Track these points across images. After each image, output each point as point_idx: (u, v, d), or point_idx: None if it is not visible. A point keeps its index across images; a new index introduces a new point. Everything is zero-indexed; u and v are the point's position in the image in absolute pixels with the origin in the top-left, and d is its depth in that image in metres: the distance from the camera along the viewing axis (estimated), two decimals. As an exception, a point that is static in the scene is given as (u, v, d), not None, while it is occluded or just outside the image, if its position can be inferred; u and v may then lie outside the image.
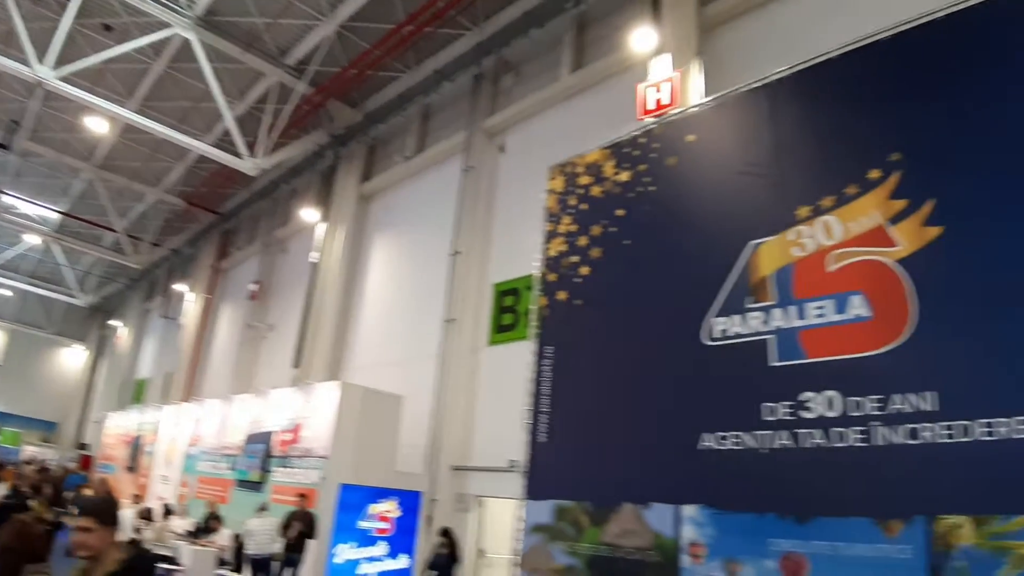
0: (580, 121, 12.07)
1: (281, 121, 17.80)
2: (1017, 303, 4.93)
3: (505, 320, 12.31)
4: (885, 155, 5.74)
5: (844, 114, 6.23)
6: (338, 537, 10.80)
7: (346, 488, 10.99)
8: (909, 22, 6.01)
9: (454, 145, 15.06)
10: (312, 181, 20.19)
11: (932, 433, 5.04)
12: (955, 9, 5.74)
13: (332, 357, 16.69)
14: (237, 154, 17.73)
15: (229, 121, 17.13)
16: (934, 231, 5.38)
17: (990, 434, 4.82)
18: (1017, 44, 5.39)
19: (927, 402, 5.12)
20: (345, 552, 10.85)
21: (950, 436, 4.97)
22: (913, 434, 5.12)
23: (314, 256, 18.09)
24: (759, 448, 5.85)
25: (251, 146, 17.92)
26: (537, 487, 7.48)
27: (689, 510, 6.18)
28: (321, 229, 18.29)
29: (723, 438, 6.08)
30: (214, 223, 26.36)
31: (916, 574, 4.87)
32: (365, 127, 18.08)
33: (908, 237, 5.49)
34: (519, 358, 8.59)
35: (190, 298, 26.54)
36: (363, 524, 11.12)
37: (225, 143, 18.68)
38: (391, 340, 15.29)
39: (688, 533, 6.15)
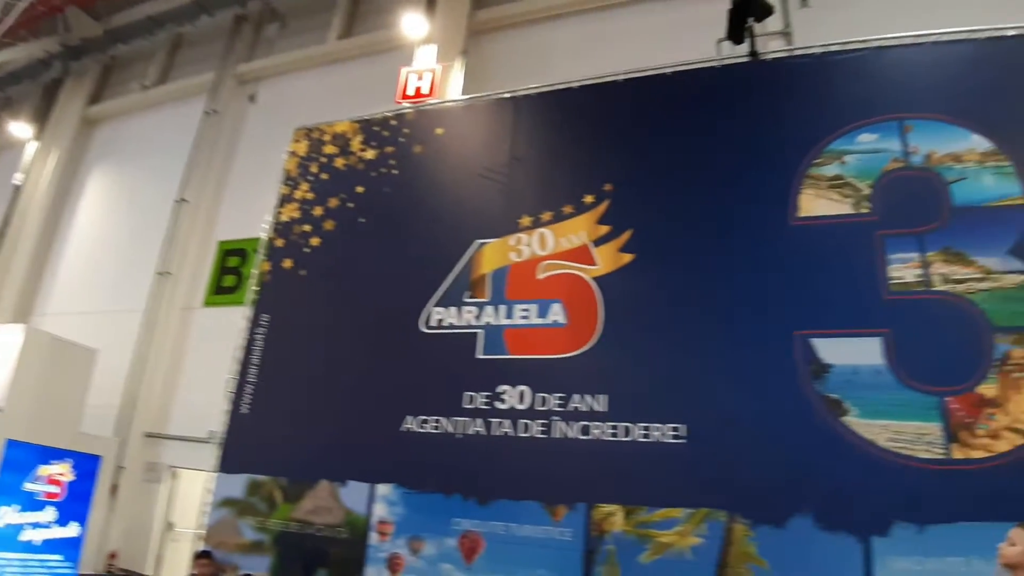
0: (338, 89, 11.70)
1: (9, 19, 15.01)
2: (676, 330, 5.85)
3: (227, 282, 11.53)
4: (600, 183, 6.46)
5: (573, 139, 6.88)
6: None
7: (12, 445, 9.57)
8: (641, 71, 6.83)
9: (201, 84, 13.80)
10: (31, 93, 17.30)
11: (600, 431, 5.75)
12: (683, 68, 6.68)
13: (22, 297, 14.40)
14: (-50, 47, 14.67)
15: (-53, 8, 14.07)
16: (627, 257, 6.19)
17: (646, 436, 5.61)
18: (713, 110, 6.42)
19: (599, 403, 5.83)
20: (7, 516, 9.47)
21: (614, 435, 5.69)
22: (585, 430, 5.79)
23: (18, 178, 15.53)
24: (455, 433, 6.19)
25: (-33, 41, 14.92)
26: (233, 459, 7.16)
27: (383, 489, 6.34)
28: (32, 148, 15.78)
29: (424, 422, 6.32)
30: (-89, 123, 21.49)
31: (574, 555, 5.50)
32: (104, 45, 15.88)
33: (606, 259, 6.24)
34: (235, 324, 8.12)
35: None
36: (30, 486, 9.79)
37: (-62, 32, 15.34)
38: (95, 286, 13.56)
39: (379, 511, 6.30)
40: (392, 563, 6.09)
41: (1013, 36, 6.00)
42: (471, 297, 6.63)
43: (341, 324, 7.13)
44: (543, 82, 7.34)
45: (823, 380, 5.36)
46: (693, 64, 6.71)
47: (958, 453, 4.99)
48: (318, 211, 7.70)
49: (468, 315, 6.57)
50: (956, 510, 4.73)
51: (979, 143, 5.69)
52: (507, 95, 7.39)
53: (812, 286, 5.60)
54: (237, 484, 7.00)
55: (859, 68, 6.21)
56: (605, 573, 5.37)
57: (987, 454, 4.95)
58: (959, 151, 5.70)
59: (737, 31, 6.53)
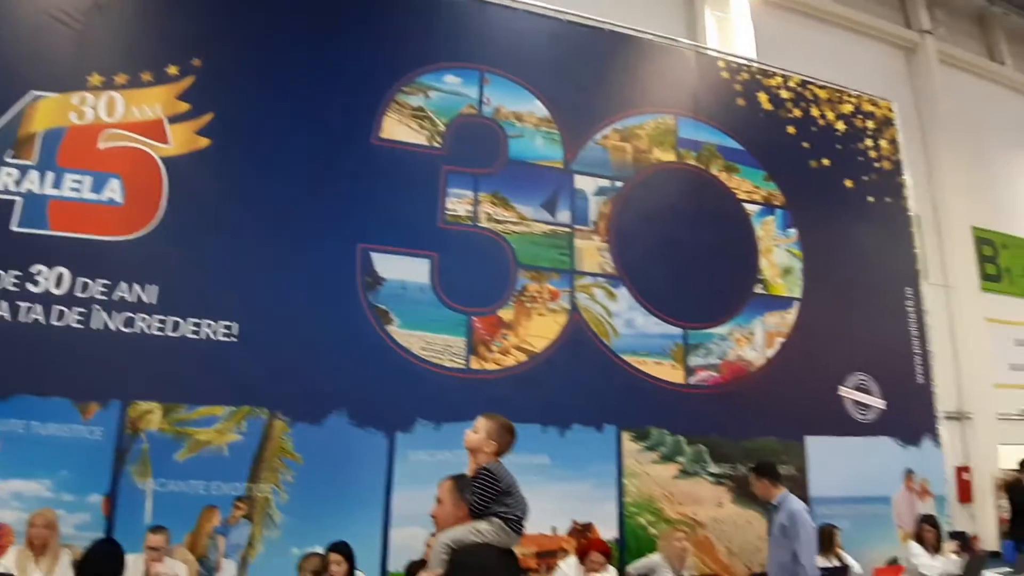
0: None
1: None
2: (243, 227, 5.69)
3: None
4: (188, 57, 5.90)
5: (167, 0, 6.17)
6: None
7: None
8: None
9: None
10: None
11: (147, 324, 5.35)
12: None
13: None
14: None
15: None
16: (204, 142, 5.79)
17: (196, 333, 5.40)
18: (322, 12, 6.36)
19: (148, 295, 5.41)
20: None
21: (161, 329, 5.36)
22: (129, 323, 5.33)
23: None
24: (-28, 317, 5.24)
25: None
26: None
27: None
28: None
29: (-67, 300, 5.24)
30: None
31: (103, 455, 5.06)
32: None
33: (180, 140, 5.75)
34: None
35: None
36: None
37: None
38: None
39: None
40: None
41: (587, 26, 7.03)
42: (14, 157, 5.56)
43: None
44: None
45: (376, 292, 5.78)
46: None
47: (475, 364, 5.83)
48: None
49: (7, 178, 5.48)
50: (469, 411, 5.33)
51: (539, 109, 6.64)
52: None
53: (380, 204, 5.94)
54: None
55: (461, 14, 6.72)
56: (136, 472, 5.06)
57: (497, 367, 5.87)
58: (522, 112, 6.60)
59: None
